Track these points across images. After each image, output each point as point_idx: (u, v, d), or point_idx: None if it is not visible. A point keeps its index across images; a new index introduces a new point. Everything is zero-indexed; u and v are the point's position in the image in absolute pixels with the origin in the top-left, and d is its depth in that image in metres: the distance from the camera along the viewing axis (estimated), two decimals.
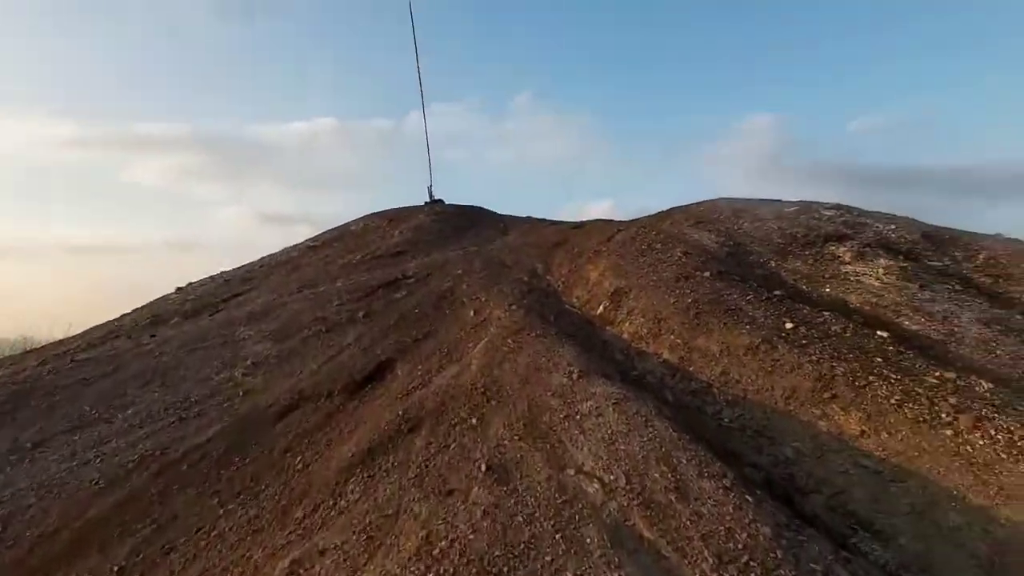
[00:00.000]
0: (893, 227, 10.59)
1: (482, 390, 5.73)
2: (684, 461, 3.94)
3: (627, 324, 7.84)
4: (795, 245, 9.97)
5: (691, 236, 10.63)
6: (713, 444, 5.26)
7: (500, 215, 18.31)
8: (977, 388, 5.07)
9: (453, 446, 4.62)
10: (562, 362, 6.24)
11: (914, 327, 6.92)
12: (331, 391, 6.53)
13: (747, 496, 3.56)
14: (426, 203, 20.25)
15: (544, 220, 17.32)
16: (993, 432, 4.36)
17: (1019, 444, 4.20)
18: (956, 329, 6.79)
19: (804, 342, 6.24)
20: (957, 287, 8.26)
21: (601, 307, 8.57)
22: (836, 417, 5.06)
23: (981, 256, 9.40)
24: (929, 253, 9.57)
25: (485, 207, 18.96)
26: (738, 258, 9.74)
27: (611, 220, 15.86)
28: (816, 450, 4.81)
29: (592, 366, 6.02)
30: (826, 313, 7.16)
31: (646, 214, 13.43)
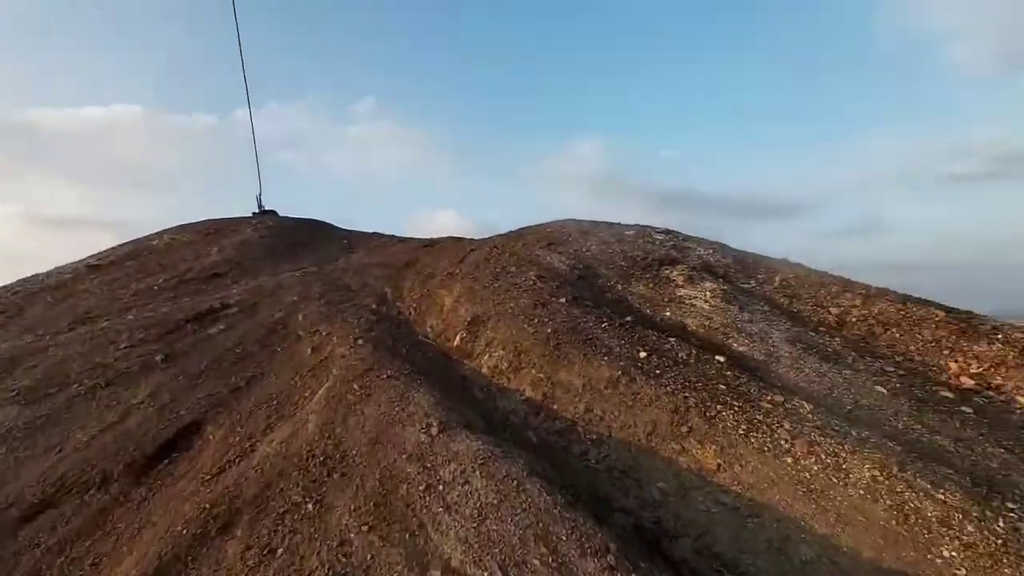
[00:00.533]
0: (712, 251, 11.83)
1: (322, 459, 4.72)
2: (564, 537, 3.50)
3: (486, 357, 7.36)
4: (636, 268, 10.54)
5: (544, 258, 10.63)
6: (581, 489, 4.98)
7: (343, 230, 16.79)
8: (801, 410, 5.55)
9: (281, 551, 3.58)
10: (418, 412, 5.48)
11: (741, 348, 7.58)
12: (107, 476, 4.89)
13: (632, 574, 3.22)
14: (254, 214, 17.84)
15: (393, 237, 16.27)
16: (823, 456, 4.72)
17: (844, 467, 4.58)
18: (772, 349, 7.59)
19: (658, 371, 6.37)
20: (765, 308, 9.39)
21: (458, 338, 7.98)
22: (694, 451, 5.13)
23: (777, 278, 10.90)
24: (740, 275, 10.84)
25: (325, 220, 17.25)
26: (588, 281, 9.96)
27: (461, 238, 15.49)
28: (680, 489, 4.78)
29: (453, 415, 5.37)
30: (671, 339, 7.51)
31: (488, 225, 13.28)
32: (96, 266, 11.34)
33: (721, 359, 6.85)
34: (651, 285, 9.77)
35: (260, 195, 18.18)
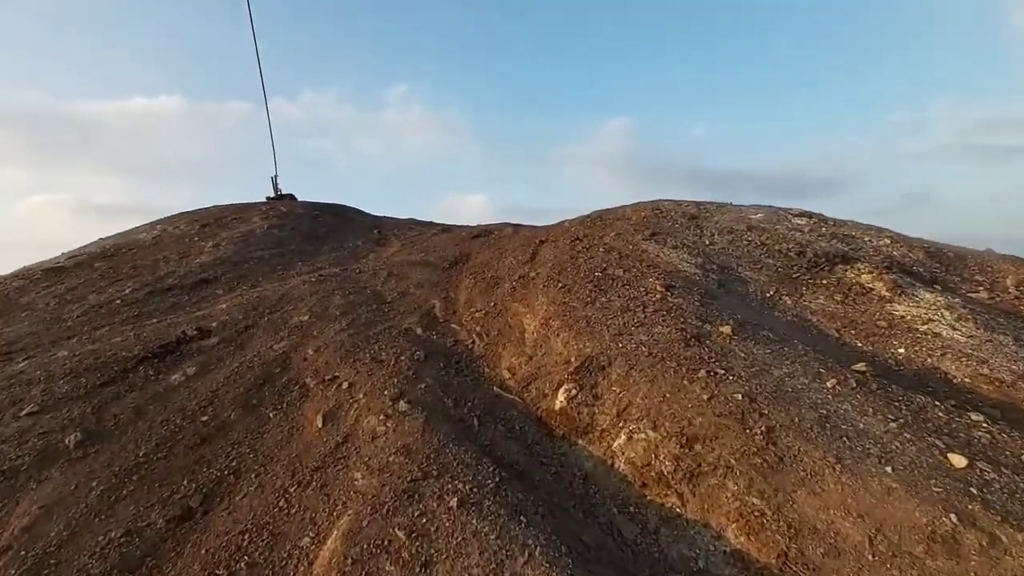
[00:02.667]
0: (888, 241, 8.29)
1: None
2: None
3: (622, 439, 4.16)
4: (796, 268, 7.14)
5: (657, 255, 7.31)
6: None
7: (373, 217, 13.79)
8: None
9: None
10: None
11: None
12: None
13: None
14: (269, 199, 15.02)
15: (432, 224, 13.16)
16: None
17: None
18: None
19: (988, 488, 3.05)
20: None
21: (562, 396, 4.80)
22: None
23: (1010, 282, 7.31)
24: (956, 279, 7.30)
25: (350, 206, 14.28)
26: (733, 290, 6.63)
27: (519, 225, 12.26)
28: None
29: None
30: (947, 403, 4.16)
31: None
32: (56, 269, 8.61)
33: None
34: (838, 297, 6.37)
35: (276, 176, 15.37)
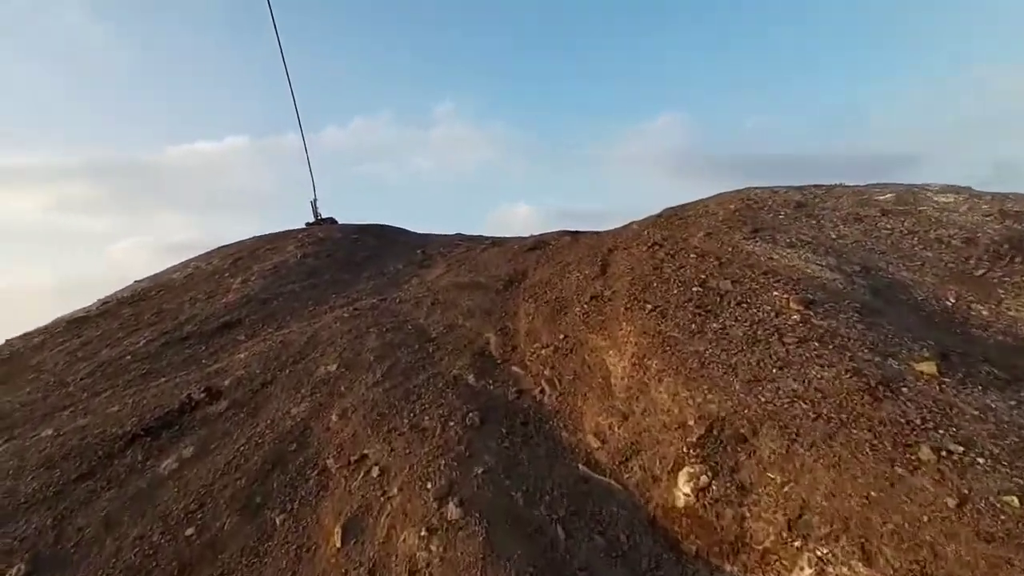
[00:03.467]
0: None
1: None
2: None
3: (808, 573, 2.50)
4: (977, 264, 5.20)
5: (770, 258, 5.58)
6: None
7: (416, 235, 12.66)
8: None
9: None
10: None
11: None
12: None
13: None
14: (308, 225, 14.22)
15: (480, 238, 11.84)
16: None
17: None
18: None
19: None
20: None
21: (685, 484, 3.21)
22: None
23: None
24: None
25: (393, 225, 13.24)
26: (894, 300, 4.80)
27: (579, 232, 10.74)
28: None
29: None
30: None
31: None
32: (80, 320, 7.91)
33: None
34: None
35: (315, 201, 14.59)
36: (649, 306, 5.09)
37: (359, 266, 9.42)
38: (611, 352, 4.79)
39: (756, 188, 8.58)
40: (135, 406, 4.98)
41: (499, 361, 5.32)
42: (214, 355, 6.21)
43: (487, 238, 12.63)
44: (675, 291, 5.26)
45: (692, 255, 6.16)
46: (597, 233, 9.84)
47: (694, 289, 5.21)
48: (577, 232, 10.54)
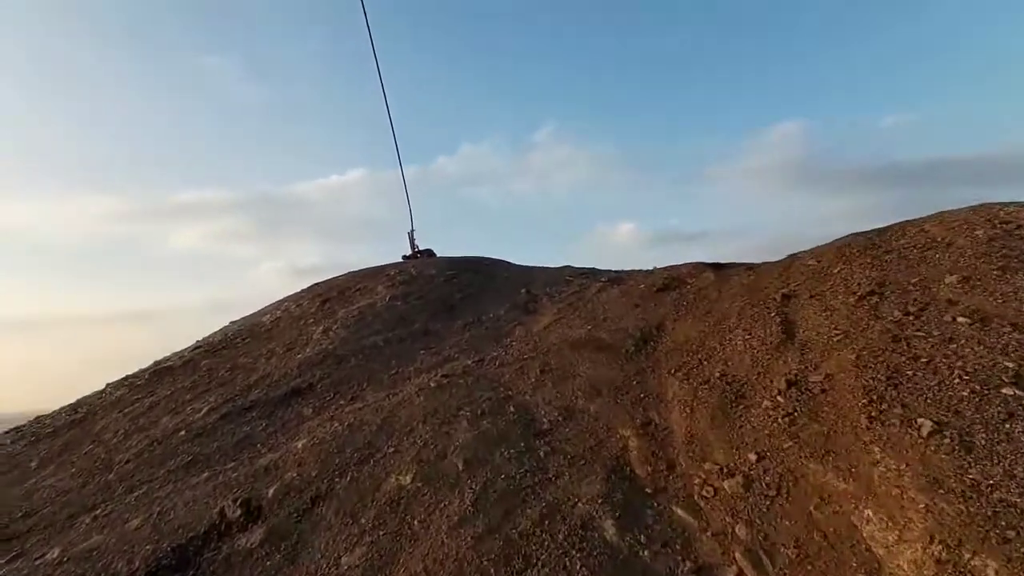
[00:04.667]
0: None
1: None
2: None
3: None
4: None
5: None
6: None
7: (518, 268, 11.10)
8: None
9: None
10: None
11: None
12: None
13: None
14: (404, 258, 13.36)
15: (594, 272, 9.98)
16: None
17: None
18: None
19: None
20: None
21: None
22: None
23: None
24: None
25: (492, 257, 11.84)
26: None
27: (720, 265, 8.50)
28: None
29: None
30: None
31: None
32: (162, 371, 7.30)
33: None
34: None
35: (412, 232, 13.73)
36: (922, 421, 2.88)
37: (454, 310, 8.00)
38: (864, 509, 2.67)
39: (996, 204, 5.98)
40: (159, 522, 3.75)
41: (649, 491, 3.40)
42: (272, 436, 4.96)
43: (603, 272, 10.73)
44: (956, 385, 3.01)
45: (958, 316, 3.82)
46: (750, 267, 7.55)
47: (1003, 392, 2.92)
48: (719, 265, 8.29)
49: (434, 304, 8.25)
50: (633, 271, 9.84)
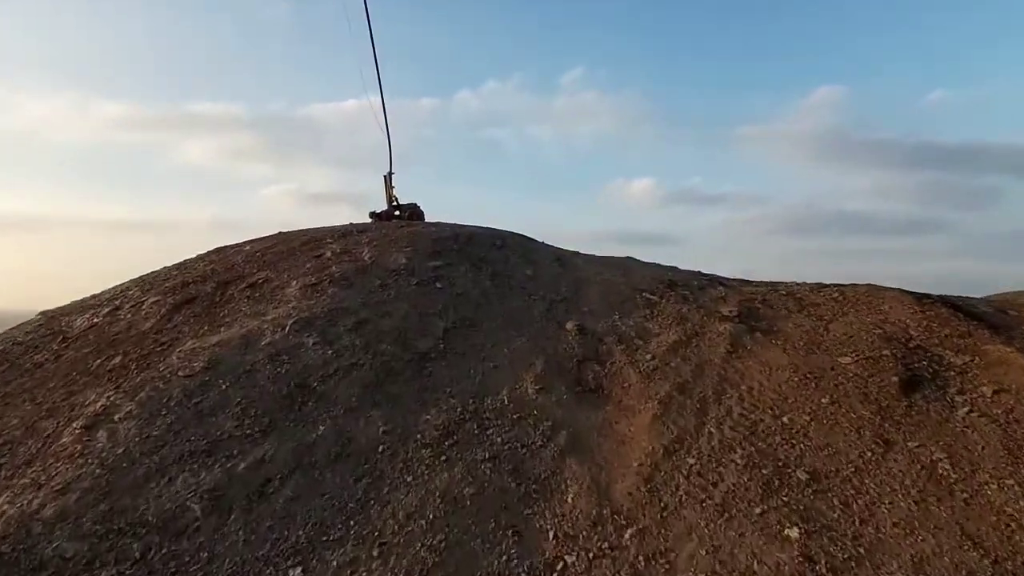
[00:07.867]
0: None
1: None
2: None
3: None
4: None
5: None
6: None
7: (551, 255, 6.64)
8: None
9: None
10: None
11: None
12: None
13: None
14: (376, 216, 8.96)
15: (681, 279, 5.46)
16: None
17: None
18: None
19: None
20: None
21: None
22: None
23: None
24: None
25: (505, 231, 7.24)
26: None
27: (841, 287, 4.24)
28: None
29: None
30: None
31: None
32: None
33: None
34: None
35: (390, 175, 9.34)
36: None
37: (419, 375, 3.56)
38: None
39: None
40: None
41: None
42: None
43: (696, 277, 6.22)
44: None
45: None
46: (858, 286, 3.43)
47: None
48: (840, 288, 3.91)
49: (382, 355, 3.78)
50: (761, 283, 5.39)
